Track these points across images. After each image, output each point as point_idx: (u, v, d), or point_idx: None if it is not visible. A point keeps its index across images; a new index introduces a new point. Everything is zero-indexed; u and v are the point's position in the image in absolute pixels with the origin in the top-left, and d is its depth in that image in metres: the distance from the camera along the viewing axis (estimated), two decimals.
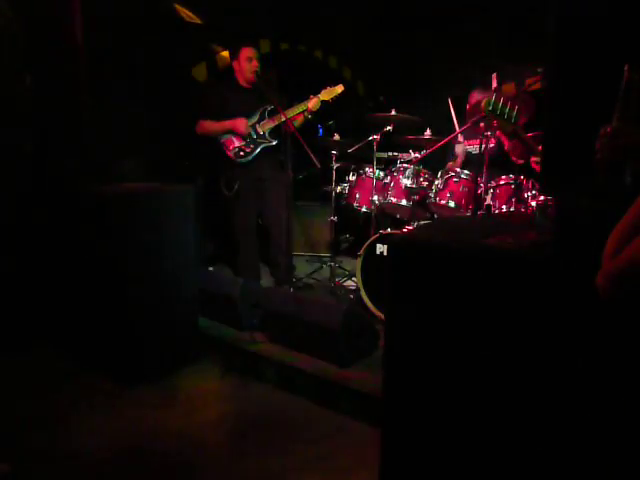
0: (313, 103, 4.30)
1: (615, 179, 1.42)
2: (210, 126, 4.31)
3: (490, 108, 3.07)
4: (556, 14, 1.69)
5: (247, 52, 4.26)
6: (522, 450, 1.73)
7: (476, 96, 4.42)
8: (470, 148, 4.57)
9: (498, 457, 1.80)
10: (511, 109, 3.06)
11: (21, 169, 3.80)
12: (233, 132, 4.29)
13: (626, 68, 1.42)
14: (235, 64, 4.34)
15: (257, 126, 4.34)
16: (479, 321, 1.77)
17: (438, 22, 5.82)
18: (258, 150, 4.34)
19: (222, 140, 4.32)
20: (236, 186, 4.32)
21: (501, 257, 1.74)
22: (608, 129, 1.43)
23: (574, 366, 1.60)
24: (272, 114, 4.35)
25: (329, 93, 4.35)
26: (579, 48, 1.69)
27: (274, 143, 4.36)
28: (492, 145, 4.37)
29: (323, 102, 4.33)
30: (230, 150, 4.31)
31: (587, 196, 1.51)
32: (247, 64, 4.25)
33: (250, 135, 4.33)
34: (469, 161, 4.46)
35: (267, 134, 4.35)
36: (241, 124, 4.26)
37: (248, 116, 4.32)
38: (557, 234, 1.64)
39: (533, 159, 3.72)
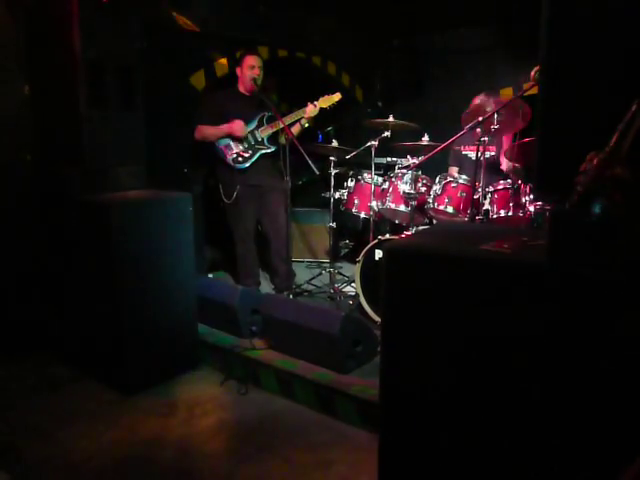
0: (310, 110, 4.31)
1: (585, 206, 1.44)
2: (207, 130, 4.32)
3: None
4: (548, 19, 1.70)
5: (250, 60, 4.29)
6: (520, 455, 1.73)
7: (477, 100, 4.43)
8: (467, 153, 4.58)
9: (496, 462, 1.80)
10: None
11: (20, 178, 3.81)
12: (231, 137, 4.31)
13: (636, 103, 1.43)
14: (238, 71, 4.36)
15: (256, 132, 4.36)
16: (476, 326, 1.78)
17: (436, 28, 5.86)
18: (256, 156, 4.35)
19: (220, 146, 4.33)
20: (235, 193, 4.34)
21: (496, 263, 1.75)
22: (595, 158, 1.45)
23: (572, 369, 1.61)
24: (270, 120, 4.37)
25: (327, 101, 4.36)
26: (573, 52, 1.70)
27: (272, 149, 4.38)
28: (493, 153, 4.40)
29: (321, 109, 4.35)
30: (228, 156, 4.32)
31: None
32: (249, 72, 4.27)
33: (249, 141, 4.35)
34: (468, 166, 4.46)
35: (266, 140, 4.37)
36: (237, 126, 4.28)
37: (247, 122, 4.34)
38: (553, 239, 1.64)
39: None
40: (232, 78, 4.49)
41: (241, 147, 4.34)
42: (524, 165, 3.81)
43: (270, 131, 4.35)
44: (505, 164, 4.34)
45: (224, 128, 4.30)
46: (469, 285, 1.78)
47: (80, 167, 3.56)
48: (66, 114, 3.57)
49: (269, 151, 4.39)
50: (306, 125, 4.39)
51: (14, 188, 3.79)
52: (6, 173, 3.75)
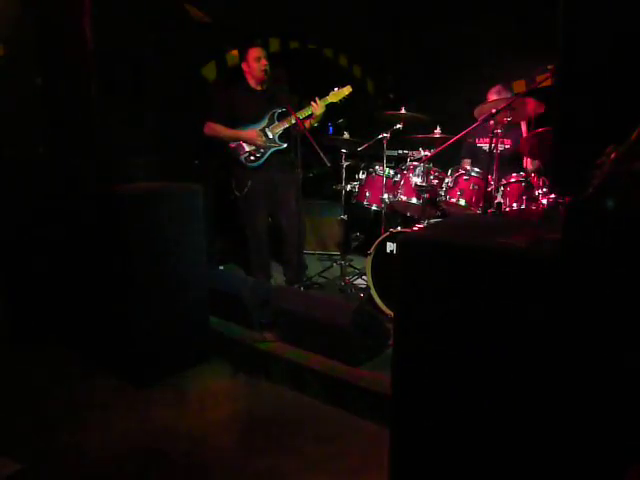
0: (318, 106, 4.27)
1: (599, 200, 1.41)
2: (222, 131, 4.29)
3: None
4: (565, 14, 1.68)
5: (255, 52, 4.25)
6: (531, 448, 1.72)
7: (493, 95, 4.39)
8: (481, 145, 4.55)
9: (507, 455, 1.79)
10: None
11: (34, 170, 3.83)
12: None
13: None
14: (244, 66, 4.32)
15: (267, 130, 4.33)
16: (488, 320, 1.76)
17: (447, 20, 5.80)
18: (267, 154, 4.32)
19: (232, 145, 4.31)
20: (247, 186, 4.32)
21: (510, 256, 1.73)
22: (614, 152, 1.42)
23: (584, 364, 1.59)
24: (281, 117, 4.33)
25: (337, 95, 4.33)
26: (589, 45, 1.68)
27: (284, 146, 4.34)
28: (508, 146, 4.37)
29: (331, 102, 4.31)
30: (240, 155, 4.30)
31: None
32: (256, 64, 4.23)
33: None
34: (480, 159, 4.44)
35: (277, 138, 4.33)
36: (258, 138, 4.26)
37: (258, 119, 4.31)
38: (567, 233, 1.62)
39: None
40: (240, 74, 4.45)
41: (253, 146, 4.31)
42: (542, 159, 3.79)
43: (281, 128, 4.31)
44: (530, 164, 4.31)
45: (241, 135, 4.27)
46: (484, 278, 1.76)
47: (91, 159, 3.57)
48: (78, 106, 3.59)
49: (280, 148, 4.35)
50: (315, 125, 4.37)
51: (27, 179, 3.81)
52: (19, 165, 3.76)
